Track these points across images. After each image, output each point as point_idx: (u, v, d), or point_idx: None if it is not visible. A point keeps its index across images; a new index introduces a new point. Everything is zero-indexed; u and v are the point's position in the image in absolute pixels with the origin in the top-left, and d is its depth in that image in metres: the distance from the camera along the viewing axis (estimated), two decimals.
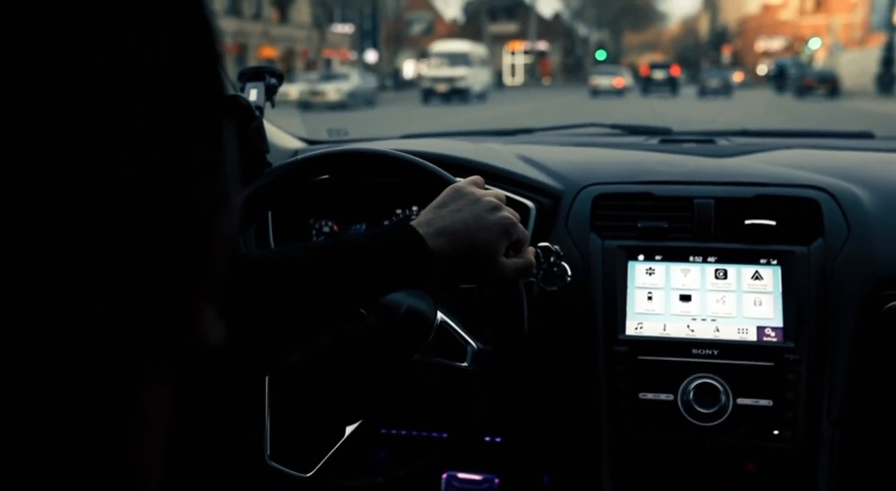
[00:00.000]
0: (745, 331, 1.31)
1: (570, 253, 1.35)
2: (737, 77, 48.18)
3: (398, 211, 1.48)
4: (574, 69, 69.18)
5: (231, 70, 1.73)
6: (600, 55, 61.71)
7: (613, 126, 2.04)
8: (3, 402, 0.29)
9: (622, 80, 38.07)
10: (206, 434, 1.27)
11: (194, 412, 1.17)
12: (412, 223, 0.93)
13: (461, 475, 1.53)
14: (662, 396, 1.30)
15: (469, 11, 67.85)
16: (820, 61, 47.49)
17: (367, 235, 0.92)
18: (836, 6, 61.90)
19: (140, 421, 0.34)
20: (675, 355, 1.31)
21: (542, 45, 65.95)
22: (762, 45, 71.93)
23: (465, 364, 1.14)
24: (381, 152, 1.12)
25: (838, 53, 42.96)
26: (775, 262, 1.33)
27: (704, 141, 1.81)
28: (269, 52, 40.85)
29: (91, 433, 0.32)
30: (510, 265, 0.98)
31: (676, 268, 1.35)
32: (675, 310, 1.34)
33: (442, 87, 31.40)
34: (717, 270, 1.34)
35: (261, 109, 1.46)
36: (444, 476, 1.54)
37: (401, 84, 48.15)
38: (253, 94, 1.51)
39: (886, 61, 31.16)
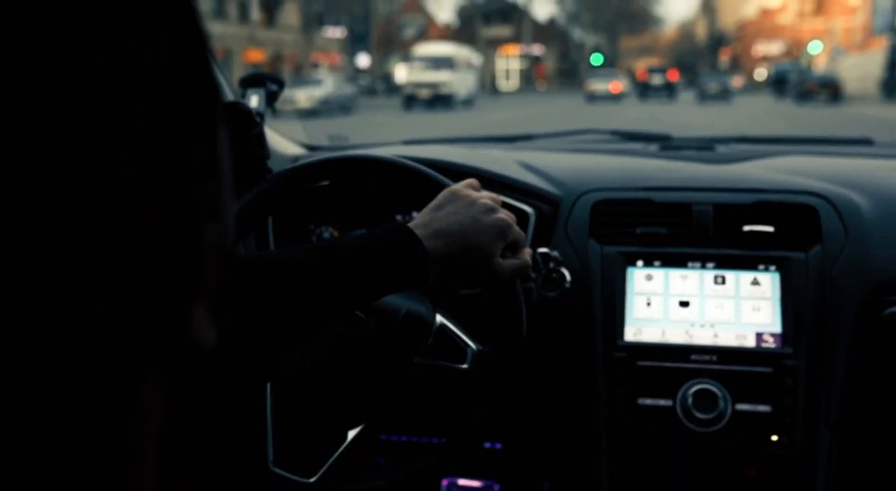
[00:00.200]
0: (743, 337, 1.31)
1: (570, 259, 1.36)
2: (736, 82, 47.77)
3: (398, 216, 1.48)
4: (570, 74, 68.36)
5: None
6: (596, 60, 60.76)
7: (613, 132, 2.05)
8: (0, 402, 0.29)
9: (619, 85, 37.21)
10: (209, 440, 1.27)
11: (197, 418, 1.18)
12: (409, 225, 0.94)
13: (461, 482, 1.54)
14: (661, 402, 1.30)
15: (463, 15, 66.82)
16: (820, 66, 46.93)
17: (364, 237, 0.92)
18: (836, 10, 61.74)
19: (133, 424, 0.34)
20: (674, 361, 1.31)
21: (538, 50, 64.92)
22: (761, 49, 71.43)
23: (464, 366, 1.15)
24: (376, 158, 1.13)
25: (840, 57, 42.42)
26: (774, 268, 1.34)
27: (703, 147, 1.81)
28: (256, 56, 39.62)
29: (87, 435, 0.32)
30: (507, 266, 0.98)
31: (675, 274, 1.36)
32: (673, 316, 1.34)
33: (424, 93, 29.77)
34: (715, 276, 1.35)
35: (261, 116, 1.47)
36: (445, 483, 1.54)
37: (392, 88, 46.69)
38: (254, 101, 1.52)
39: (892, 65, 30.44)
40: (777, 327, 1.31)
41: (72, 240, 0.29)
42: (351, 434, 1.29)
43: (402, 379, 1.20)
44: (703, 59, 75.98)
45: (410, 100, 29.52)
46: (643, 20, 77.32)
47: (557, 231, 1.41)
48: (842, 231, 1.34)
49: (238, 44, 38.61)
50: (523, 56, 63.93)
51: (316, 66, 45.34)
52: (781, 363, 1.29)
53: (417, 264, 0.92)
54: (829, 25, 59.83)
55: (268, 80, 1.56)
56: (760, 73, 57.93)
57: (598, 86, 37.16)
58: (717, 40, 77.95)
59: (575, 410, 1.37)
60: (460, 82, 32.36)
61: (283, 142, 1.80)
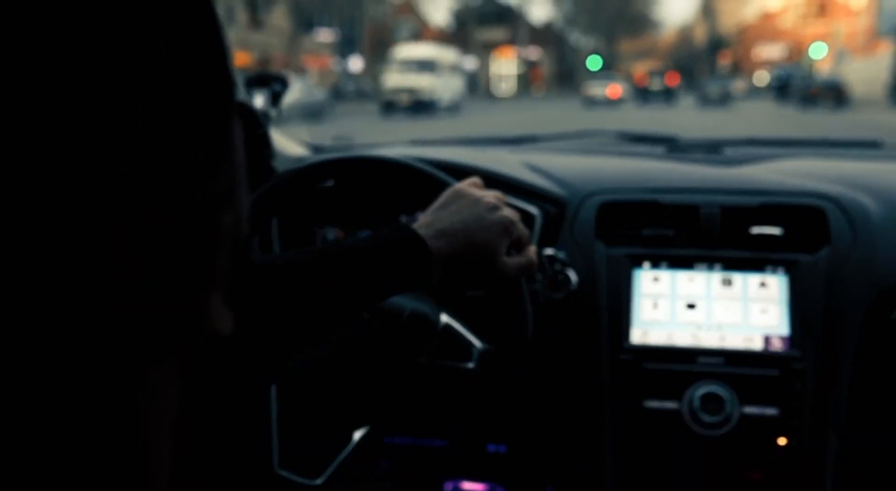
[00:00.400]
0: (751, 339, 1.31)
1: (576, 261, 1.35)
2: (738, 86, 47.16)
3: (402, 217, 1.48)
4: (567, 78, 67.49)
5: None
6: (593, 64, 59.69)
7: (619, 134, 2.04)
8: (10, 399, 0.29)
9: (618, 89, 36.14)
10: (214, 442, 1.27)
11: (203, 420, 1.17)
12: (413, 225, 0.94)
13: (465, 485, 1.53)
14: (668, 405, 1.29)
15: (459, 18, 65.63)
16: (824, 69, 46.45)
17: (367, 239, 0.91)
18: (838, 13, 61.44)
19: (149, 416, 0.34)
20: (681, 364, 1.30)
21: (534, 53, 64.03)
22: (762, 53, 70.96)
23: (470, 366, 1.14)
24: (380, 158, 1.13)
25: (844, 61, 41.90)
26: (782, 270, 1.33)
27: (711, 149, 1.81)
28: (242, 59, 38.23)
29: (100, 428, 0.32)
30: (511, 264, 0.98)
31: (682, 276, 1.35)
32: (680, 318, 1.33)
33: (404, 99, 27.37)
34: (723, 279, 1.34)
35: (267, 116, 1.46)
36: (449, 486, 1.54)
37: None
38: (259, 101, 1.52)
39: None
40: (785, 330, 1.30)
41: (73, 237, 0.29)
42: (357, 436, 1.29)
43: (407, 379, 1.20)
44: (703, 62, 75.34)
45: (389, 106, 27.25)
46: (641, 23, 77.02)
47: (564, 233, 1.40)
48: (850, 233, 1.33)
49: None
50: (520, 60, 62.75)
51: (302, 70, 43.59)
52: (789, 366, 1.28)
53: (421, 265, 0.91)
54: (830, 29, 59.26)
55: (273, 80, 1.56)
56: (760, 78, 56.32)
57: (597, 90, 35.93)
58: (717, 43, 77.49)
59: (580, 413, 1.36)
60: (444, 87, 30.18)
61: (288, 142, 1.80)
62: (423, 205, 1.02)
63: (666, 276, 1.35)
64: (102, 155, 0.29)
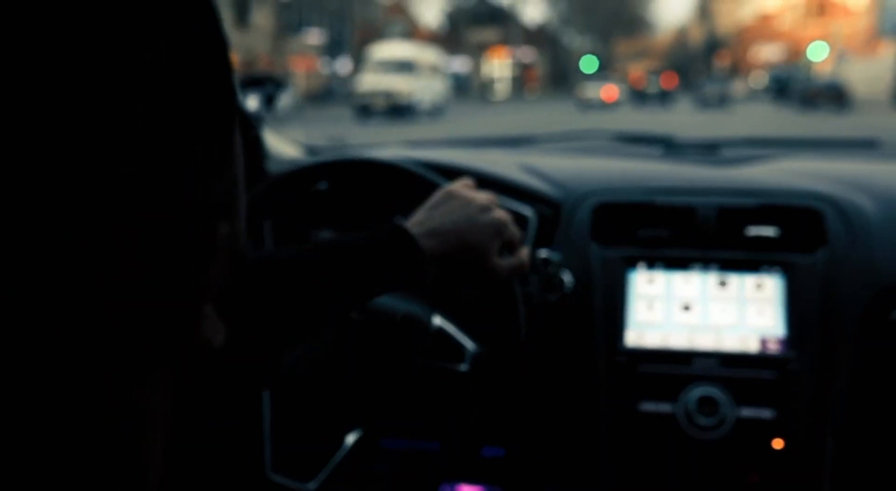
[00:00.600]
0: (747, 341, 1.30)
1: (571, 262, 1.34)
2: (739, 87, 46.51)
3: (398, 219, 1.47)
4: (562, 80, 66.58)
5: None
6: (588, 66, 58.43)
7: (616, 135, 2.04)
8: (5, 402, 0.29)
9: (613, 92, 34.99)
10: (206, 446, 1.26)
11: (195, 424, 1.17)
12: (404, 225, 0.93)
13: (461, 489, 1.52)
14: (663, 408, 1.29)
15: (453, 19, 64.42)
16: (825, 70, 45.98)
17: (358, 237, 0.91)
18: (835, 14, 61.07)
19: (142, 421, 0.34)
20: (676, 366, 1.30)
21: (528, 55, 62.85)
22: (760, 54, 70.35)
23: (463, 367, 1.14)
24: (369, 159, 1.12)
25: (845, 62, 41.30)
26: (778, 271, 1.32)
27: (708, 150, 1.80)
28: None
29: (94, 433, 0.32)
30: (503, 265, 0.98)
31: (678, 277, 1.34)
32: (676, 319, 1.32)
33: (379, 103, 25.36)
34: (718, 280, 1.33)
35: (259, 118, 1.46)
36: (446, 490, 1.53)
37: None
38: (252, 103, 1.51)
39: None
40: (781, 332, 1.29)
41: (71, 240, 0.29)
42: (350, 439, 1.28)
43: (400, 381, 1.19)
44: (699, 63, 74.48)
45: (364, 110, 25.30)
46: (637, 24, 76.63)
47: (558, 234, 1.39)
48: (847, 234, 1.33)
49: None
50: (513, 62, 61.20)
51: (287, 72, 41.89)
52: (785, 368, 1.27)
53: (412, 263, 0.91)
54: (828, 30, 58.62)
55: (267, 82, 1.55)
56: (758, 79, 55.02)
57: (591, 93, 34.73)
58: (713, 44, 76.95)
59: (575, 416, 1.35)
60: (424, 89, 27.89)
61: (282, 144, 1.79)
62: (417, 206, 1.02)
63: (661, 277, 1.35)
64: (101, 155, 0.29)
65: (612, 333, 1.33)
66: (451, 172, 1.26)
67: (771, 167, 1.58)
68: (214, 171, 0.35)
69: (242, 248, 0.40)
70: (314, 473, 1.27)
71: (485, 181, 1.23)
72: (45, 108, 0.28)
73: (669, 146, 1.87)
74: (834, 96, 27.74)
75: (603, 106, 32.64)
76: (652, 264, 1.35)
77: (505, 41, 61.43)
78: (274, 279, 0.85)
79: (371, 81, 26.82)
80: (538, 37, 67.85)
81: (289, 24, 44.99)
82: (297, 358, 1.21)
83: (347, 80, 44.68)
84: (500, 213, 0.98)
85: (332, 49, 47.18)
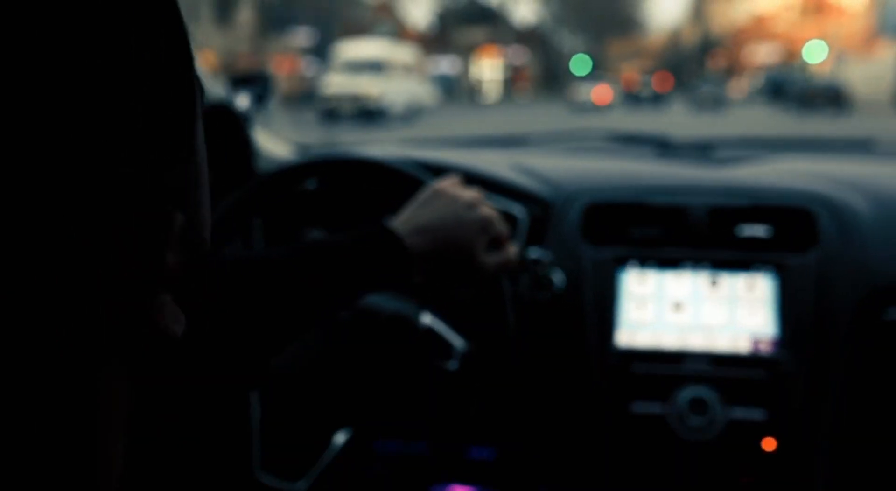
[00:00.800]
0: (738, 341, 1.29)
1: (562, 261, 1.34)
2: (738, 86, 45.84)
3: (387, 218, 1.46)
4: (554, 82, 65.38)
5: None
6: (580, 68, 57.16)
7: (611, 134, 2.03)
8: None
9: (606, 94, 34.07)
10: (194, 446, 1.25)
11: (181, 423, 1.16)
12: (390, 223, 0.93)
13: (453, 489, 1.51)
14: (654, 409, 1.28)
15: (444, 20, 63.23)
16: (823, 71, 45.45)
17: (343, 236, 0.91)
18: (831, 14, 60.71)
19: (98, 411, 0.34)
20: (668, 366, 1.29)
21: (519, 57, 61.66)
22: (755, 56, 69.65)
23: (452, 365, 1.14)
24: (354, 157, 1.12)
25: (844, 63, 40.70)
26: (770, 271, 1.31)
27: (702, 149, 1.79)
28: (207, 58, 33.28)
29: (47, 422, 0.31)
30: (490, 262, 0.98)
31: (669, 277, 1.34)
32: (667, 319, 1.32)
33: (347, 107, 23.13)
34: (710, 280, 1.33)
35: (250, 116, 1.45)
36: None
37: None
38: (243, 101, 1.50)
39: None
40: (773, 332, 1.28)
41: (33, 226, 0.29)
42: (339, 439, 1.28)
43: (388, 380, 1.19)
44: (693, 64, 73.81)
45: (330, 115, 22.74)
46: (630, 25, 76.14)
47: (550, 233, 1.38)
48: (840, 234, 1.32)
49: None
50: (504, 64, 59.75)
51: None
52: (778, 368, 1.26)
53: (398, 261, 0.91)
54: (824, 30, 58.05)
55: (258, 80, 1.55)
56: (753, 81, 53.27)
57: (584, 95, 33.74)
58: (707, 45, 76.36)
59: (567, 417, 1.34)
60: (396, 91, 25.29)
61: (273, 143, 1.78)
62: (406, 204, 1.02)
63: (653, 277, 1.34)
64: (56, 141, 0.29)
65: (603, 332, 1.32)
66: (440, 171, 1.26)
67: (764, 167, 1.57)
68: (171, 159, 0.34)
69: (204, 238, 0.39)
70: (303, 473, 1.27)
71: (473, 179, 1.22)
72: (47, 107, 0.28)
73: (663, 146, 1.86)
74: (832, 98, 27.05)
75: (595, 109, 31.47)
76: (643, 264, 1.35)
77: (495, 42, 60.29)
78: (261, 279, 0.84)
79: (338, 83, 24.84)
80: (529, 37, 66.92)
81: (272, 24, 43.45)
82: (285, 358, 1.21)
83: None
84: (487, 210, 0.98)
85: (316, 50, 45.15)
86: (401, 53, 29.35)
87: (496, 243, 0.99)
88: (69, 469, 0.33)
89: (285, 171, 1.13)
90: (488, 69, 60.01)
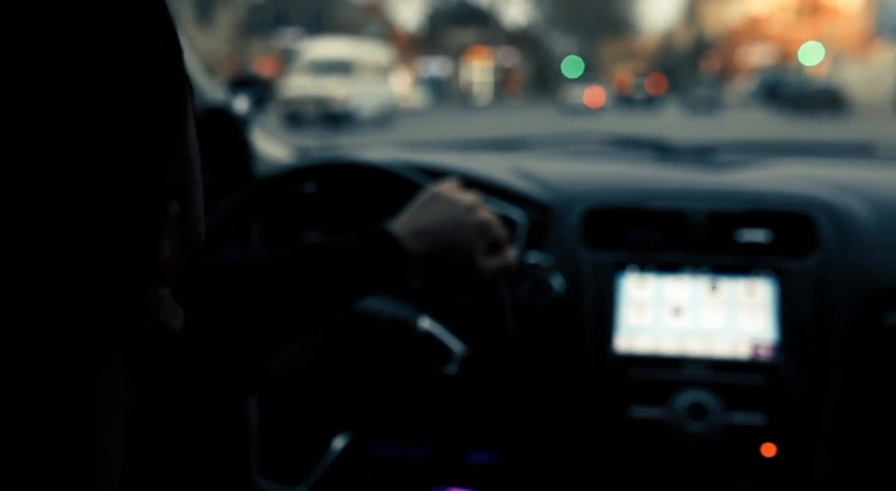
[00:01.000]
0: (738, 346, 1.29)
1: (561, 266, 1.33)
2: (734, 88, 45.38)
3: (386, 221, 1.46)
4: (545, 84, 64.64)
5: None
6: (572, 70, 56.48)
7: (610, 138, 2.03)
8: None
9: (599, 96, 33.61)
10: (193, 450, 1.25)
11: (180, 426, 1.16)
12: (388, 226, 0.93)
13: None
14: (653, 413, 1.28)
15: (433, 21, 62.24)
16: (820, 74, 45.13)
17: (343, 239, 0.91)
18: (826, 16, 60.53)
19: (99, 411, 0.34)
20: (667, 371, 1.29)
21: (510, 58, 60.99)
22: (750, 58, 69.16)
23: (450, 369, 1.13)
24: (352, 160, 1.12)
25: (842, 65, 40.27)
26: (770, 276, 1.31)
27: (701, 154, 1.79)
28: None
29: (47, 419, 0.31)
30: (489, 265, 0.98)
31: (668, 281, 1.33)
32: (666, 324, 1.31)
33: (310, 110, 21.80)
34: (710, 284, 1.32)
35: (248, 120, 1.44)
36: None
37: None
38: (242, 104, 1.50)
39: None
40: (773, 336, 1.28)
41: (24, 230, 0.29)
42: (338, 443, 1.27)
43: (387, 384, 1.18)
44: (687, 66, 73.35)
45: (293, 119, 21.76)
46: (623, 26, 75.80)
47: (549, 237, 1.38)
48: (840, 239, 1.32)
49: None
50: (495, 65, 58.91)
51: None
52: (777, 373, 1.26)
53: (396, 264, 0.91)
54: (819, 32, 57.63)
55: (256, 83, 1.54)
56: (746, 83, 52.53)
57: (576, 97, 33.21)
58: (700, 46, 76.03)
59: (566, 421, 1.34)
60: (365, 94, 23.63)
61: (273, 147, 1.78)
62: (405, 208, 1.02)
63: (652, 281, 1.34)
64: (52, 135, 0.29)
65: (603, 337, 1.32)
66: (439, 174, 1.25)
67: (764, 172, 1.57)
68: (166, 157, 0.34)
69: (199, 232, 0.39)
70: (302, 478, 1.26)
71: (472, 183, 1.22)
72: (47, 107, 0.29)
73: (663, 150, 1.86)
74: (830, 101, 26.56)
75: (588, 111, 30.91)
76: (643, 268, 1.35)
77: (485, 43, 59.43)
78: (259, 281, 0.84)
79: (300, 85, 23.18)
80: (520, 39, 66.21)
81: (257, 25, 41.99)
82: (285, 362, 1.20)
83: None
84: (485, 214, 0.98)
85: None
86: (372, 53, 27.43)
87: (495, 247, 0.99)
88: (69, 467, 0.33)
89: (284, 174, 1.13)
90: (479, 71, 59.20)
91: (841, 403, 1.26)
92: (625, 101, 37.11)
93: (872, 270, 1.29)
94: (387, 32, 56.57)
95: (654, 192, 1.42)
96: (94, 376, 0.33)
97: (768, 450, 1.26)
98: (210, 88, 1.54)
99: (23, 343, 0.30)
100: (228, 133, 1.36)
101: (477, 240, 0.95)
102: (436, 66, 54.27)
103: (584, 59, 63.12)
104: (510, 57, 61.70)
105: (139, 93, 0.31)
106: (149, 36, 0.32)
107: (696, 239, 1.34)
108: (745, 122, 22.95)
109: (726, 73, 70.85)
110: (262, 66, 40.16)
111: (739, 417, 1.25)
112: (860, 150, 1.93)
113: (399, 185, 1.07)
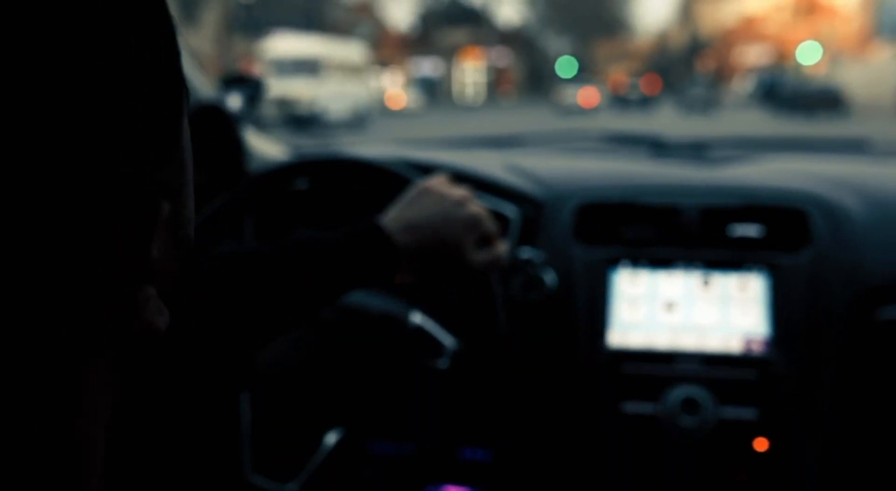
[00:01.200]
0: (731, 341, 1.29)
1: (554, 261, 1.33)
2: (725, 91, 45.03)
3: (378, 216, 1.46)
4: (539, 84, 64.45)
5: None
6: (566, 70, 56.02)
7: (605, 135, 2.03)
8: None
9: (593, 96, 33.67)
10: (185, 447, 1.24)
11: (170, 422, 1.15)
12: (378, 220, 0.93)
13: (446, 489, 1.51)
14: (646, 408, 1.28)
15: (426, 21, 62.04)
16: (819, 74, 44.87)
17: (333, 233, 0.90)
18: (823, 15, 60.38)
19: (84, 408, 0.34)
20: (659, 366, 1.29)
21: (504, 58, 60.53)
22: (746, 57, 68.70)
23: (442, 364, 1.13)
24: (342, 156, 1.12)
25: (840, 65, 39.63)
26: (763, 271, 1.31)
27: (695, 150, 1.79)
28: None
29: (32, 417, 0.31)
30: (479, 259, 0.98)
31: (661, 277, 1.33)
32: (659, 319, 1.31)
33: (272, 112, 20.39)
34: (702, 279, 1.32)
35: (242, 116, 1.44)
36: None
37: None
38: (234, 102, 1.50)
39: None
40: (766, 331, 1.28)
41: (19, 218, 0.29)
42: (331, 439, 1.27)
43: (378, 380, 1.18)
44: (682, 66, 72.91)
45: (255, 121, 19.39)
46: (617, 26, 75.55)
47: (542, 233, 1.38)
48: (833, 234, 1.32)
49: None
50: (488, 65, 58.39)
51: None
52: (770, 368, 1.26)
53: (386, 258, 0.90)
54: (817, 31, 57.40)
55: (249, 81, 1.54)
56: (742, 84, 51.33)
57: (570, 97, 33.33)
58: (695, 46, 75.74)
59: (559, 416, 1.34)
60: (333, 95, 22.60)
61: (266, 144, 1.78)
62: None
63: (645, 277, 1.34)
64: (46, 134, 0.29)
65: (595, 332, 1.32)
66: (430, 170, 1.25)
67: (758, 167, 1.57)
68: (161, 158, 0.34)
69: (189, 233, 0.39)
70: (294, 475, 1.26)
71: (463, 178, 1.22)
72: (47, 107, 0.29)
73: (657, 146, 1.86)
74: (829, 101, 26.22)
75: (582, 112, 30.75)
76: (635, 264, 1.35)
77: (478, 44, 59.05)
78: (249, 273, 0.84)
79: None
80: (513, 39, 65.95)
81: (246, 26, 41.01)
82: (276, 358, 1.20)
83: None
84: (475, 208, 0.98)
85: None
86: (344, 52, 26.02)
87: (485, 241, 0.99)
88: (50, 464, 0.33)
89: (276, 170, 1.13)
90: (471, 71, 58.69)
91: (833, 398, 1.26)
92: (619, 101, 37.17)
93: (865, 265, 1.29)
94: (378, 33, 55.93)
95: (647, 187, 1.42)
96: (79, 374, 0.33)
97: (761, 444, 1.26)
98: (202, 86, 1.54)
99: (9, 338, 0.30)
100: (221, 130, 1.36)
101: (467, 234, 0.95)
102: (428, 67, 54.05)
103: (579, 60, 62.87)
104: (503, 57, 61.29)
105: (139, 93, 0.31)
106: (148, 36, 0.32)
107: (689, 234, 1.34)
108: (741, 122, 22.73)
109: (722, 73, 70.70)
110: (247, 66, 38.71)
111: (732, 412, 1.25)
112: (854, 146, 1.93)
113: (390, 180, 1.07)
